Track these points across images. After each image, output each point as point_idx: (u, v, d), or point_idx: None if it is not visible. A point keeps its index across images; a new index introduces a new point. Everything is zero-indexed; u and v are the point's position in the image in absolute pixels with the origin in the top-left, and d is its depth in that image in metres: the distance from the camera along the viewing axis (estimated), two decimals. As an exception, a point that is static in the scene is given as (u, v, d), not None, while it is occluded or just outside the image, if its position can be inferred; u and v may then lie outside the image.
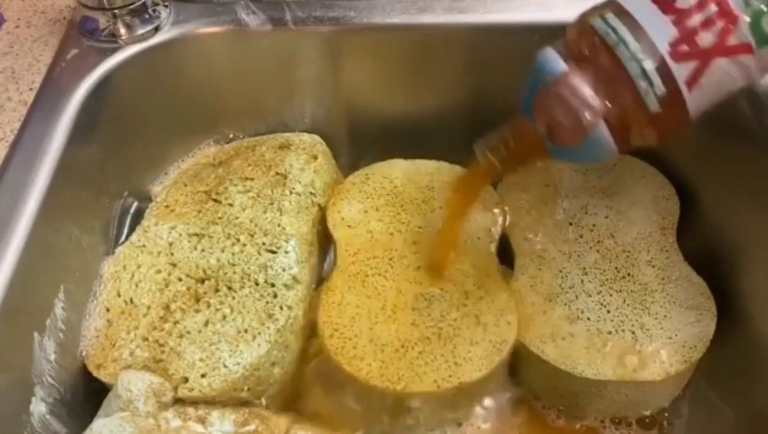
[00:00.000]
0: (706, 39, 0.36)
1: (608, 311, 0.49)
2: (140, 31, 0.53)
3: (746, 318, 0.49)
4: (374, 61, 0.58)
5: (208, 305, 0.48)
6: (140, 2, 0.53)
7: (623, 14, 0.37)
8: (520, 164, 0.45)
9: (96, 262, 0.51)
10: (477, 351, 0.47)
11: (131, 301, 0.49)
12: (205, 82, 0.58)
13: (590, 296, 0.50)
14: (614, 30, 0.37)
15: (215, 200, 0.54)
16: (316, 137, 0.60)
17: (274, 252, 0.51)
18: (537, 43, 0.55)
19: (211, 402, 0.45)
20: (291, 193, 0.55)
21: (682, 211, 0.54)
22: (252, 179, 0.56)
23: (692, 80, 0.36)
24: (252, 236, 0.52)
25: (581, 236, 0.53)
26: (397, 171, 0.58)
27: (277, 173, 0.56)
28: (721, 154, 0.52)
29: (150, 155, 0.59)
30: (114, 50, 0.53)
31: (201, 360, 0.46)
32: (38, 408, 0.43)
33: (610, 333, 0.48)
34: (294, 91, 0.60)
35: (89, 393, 0.47)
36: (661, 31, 0.36)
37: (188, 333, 0.47)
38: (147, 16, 0.54)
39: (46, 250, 0.45)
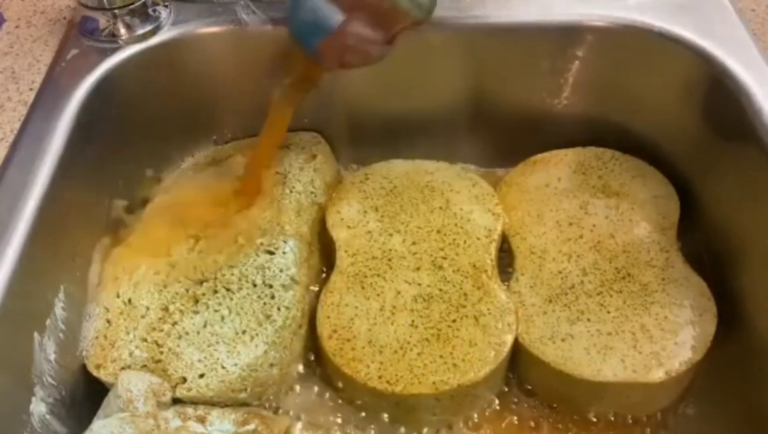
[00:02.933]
0: None
1: (608, 312, 0.49)
2: (140, 31, 0.53)
3: (747, 318, 0.49)
4: (374, 61, 0.57)
5: (207, 307, 0.48)
6: (140, 2, 0.53)
7: None
8: (310, 84, 0.50)
9: (96, 262, 0.51)
10: (476, 353, 0.47)
11: (130, 302, 0.49)
12: (205, 82, 0.58)
13: (590, 297, 0.50)
14: None
15: (215, 200, 0.54)
16: (316, 135, 0.60)
17: (272, 253, 0.51)
18: (537, 43, 0.56)
19: (209, 403, 0.45)
20: (291, 192, 0.55)
21: (682, 211, 0.54)
22: (252, 179, 0.56)
23: None
24: (250, 236, 0.52)
25: (581, 237, 0.53)
26: (396, 171, 0.58)
27: (277, 172, 0.56)
28: (721, 154, 0.52)
29: (149, 154, 0.59)
30: (114, 50, 0.53)
31: (199, 360, 0.46)
32: (38, 408, 0.43)
33: (610, 334, 0.48)
34: (294, 91, 0.59)
35: (89, 393, 0.47)
36: None
37: (186, 334, 0.47)
38: (147, 16, 0.54)
39: (46, 250, 0.45)
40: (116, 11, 0.53)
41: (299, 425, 0.47)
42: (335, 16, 0.43)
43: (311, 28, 0.44)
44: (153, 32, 0.54)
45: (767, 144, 0.47)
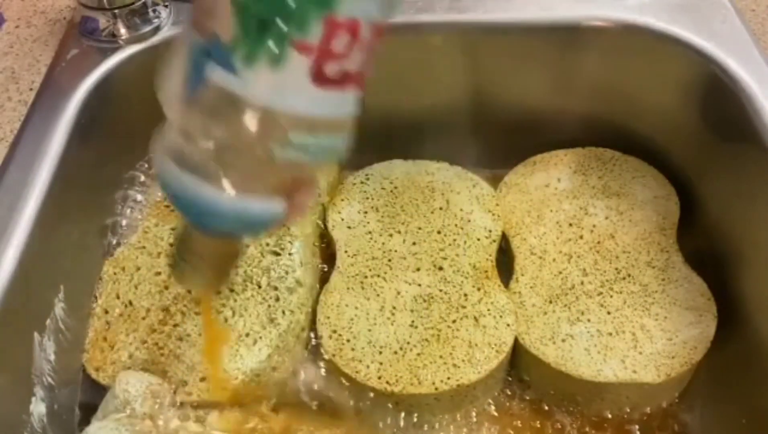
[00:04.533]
0: None
1: (608, 313, 0.49)
2: (140, 31, 0.53)
3: (747, 319, 0.49)
4: (374, 61, 0.57)
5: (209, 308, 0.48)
6: (140, 2, 0.53)
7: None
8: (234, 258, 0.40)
9: (96, 263, 0.51)
10: (476, 353, 0.47)
11: (130, 303, 0.48)
12: (205, 82, 0.58)
13: (590, 297, 0.50)
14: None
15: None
16: (319, 135, 0.60)
17: (278, 254, 0.50)
18: (537, 43, 0.55)
19: (209, 405, 0.45)
20: None
21: (682, 211, 0.54)
22: (252, 179, 0.55)
23: None
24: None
25: (581, 237, 0.53)
26: (397, 171, 0.58)
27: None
28: (721, 154, 0.52)
29: (150, 155, 0.58)
30: (114, 50, 0.53)
31: (200, 363, 0.45)
32: (38, 408, 0.43)
33: (610, 334, 0.48)
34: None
35: (89, 394, 0.47)
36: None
37: (188, 336, 0.47)
38: (147, 16, 0.54)
39: (46, 250, 0.45)
40: (116, 11, 0.53)
41: (299, 424, 0.47)
42: (276, 209, 0.32)
43: (247, 228, 0.34)
44: (153, 32, 0.54)
45: (767, 144, 0.47)
